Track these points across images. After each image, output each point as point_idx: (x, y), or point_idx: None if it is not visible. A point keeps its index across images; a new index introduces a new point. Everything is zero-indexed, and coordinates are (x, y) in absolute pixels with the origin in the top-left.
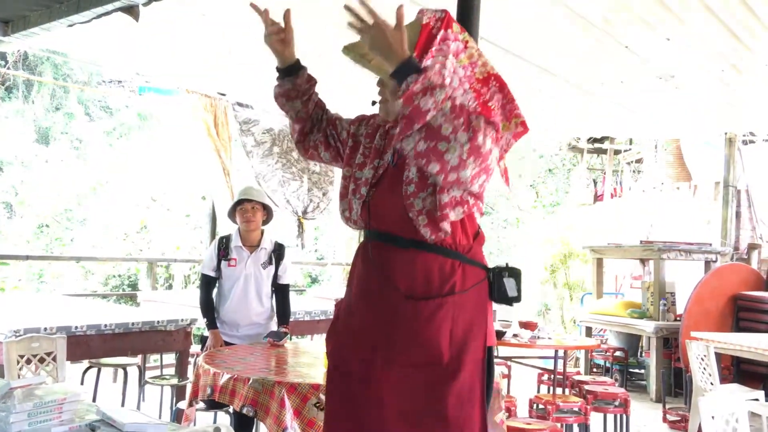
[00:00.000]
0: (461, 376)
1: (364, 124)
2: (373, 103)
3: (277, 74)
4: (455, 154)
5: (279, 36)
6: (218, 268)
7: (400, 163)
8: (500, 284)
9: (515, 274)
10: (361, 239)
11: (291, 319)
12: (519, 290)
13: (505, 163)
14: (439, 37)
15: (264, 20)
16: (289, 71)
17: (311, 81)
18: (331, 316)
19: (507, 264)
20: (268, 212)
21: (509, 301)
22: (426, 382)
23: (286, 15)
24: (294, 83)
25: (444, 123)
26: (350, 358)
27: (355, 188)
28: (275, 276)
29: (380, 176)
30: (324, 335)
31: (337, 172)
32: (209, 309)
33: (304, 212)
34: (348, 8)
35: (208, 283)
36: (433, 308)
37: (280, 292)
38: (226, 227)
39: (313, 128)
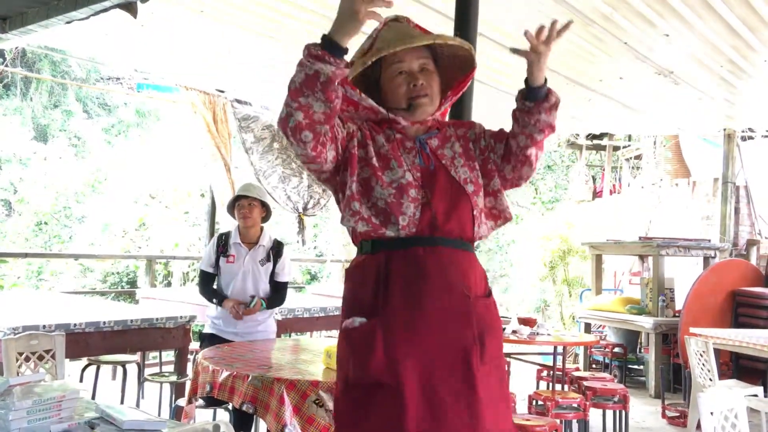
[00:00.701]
0: (504, 362)
1: (365, 126)
2: (409, 107)
3: (335, 56)
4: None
5: (369, 15)
6: (216, 264)
7: (437, 164)
8: None
9: None
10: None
11: (290, 316)
12: None
13: None
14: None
15: None
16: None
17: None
18: (330, 314)
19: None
20: (266, 210)
21: None
22: (498, 376)
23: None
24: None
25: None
26: (442, 375)
27: (399, 192)
28: (273, 273)
29: (420, 179)
30: (323, 332)
31: None
32: (214, 292)
33: (305, 208)
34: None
35: (206, 280)
36: (494, 305)
37: (277, 288)
38: (227, 224)
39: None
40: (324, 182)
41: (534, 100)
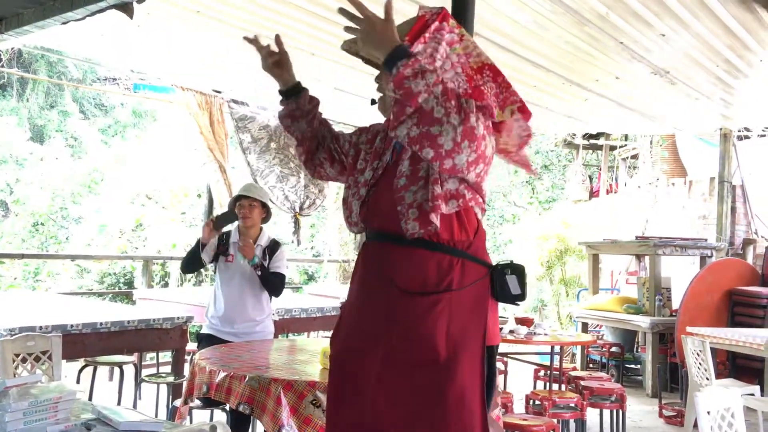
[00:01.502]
0: (459, 374)
1: (364, 133)
2: (373, 102)
3: (280, 97)
4: (449, 137)
5: (274, 59)
6: (215, 260)
7: (396, 159)
8: (502, 282)
9: (518, 271)
10: (362, 241)
11: (287, 317)
12: (523, 288)
13: (525, 152)
14: (433, 27)
15: (257, 48)
16: (290, 93)
17: (314, 101)
18: (328, 314)
19: (511, 261)
20: (267, 211)
21: (512, 299)
22: (425, 382)
23: (277, 40)
24: (297, 103)
25: (436, 106)
26: (355, 357)
27: (356, 191)
28: (268, 267)
29: (379, 176)
30: (321, 333)
31: None
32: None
33: (301, 208)
34: (342, 11)
35: (195, 254)
36: (428, 304)
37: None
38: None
39: (319, 146)
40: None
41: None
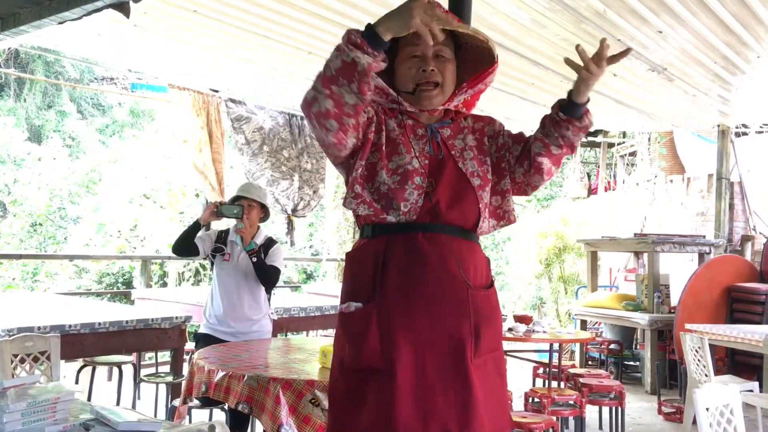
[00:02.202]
0: (503, 356)
1: (379, 110)
2: (414, 91)
3: (375, 48)
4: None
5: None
6: (211, 258)
7: (446, 153)
8: None
9: None
10: (369, 234)
11: (286, 316)
12: None
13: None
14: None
15: None
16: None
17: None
18: (326, 313)
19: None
20: (265, 210)
21: None
22: (493, 368)
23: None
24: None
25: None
26: (437, 366)
27: (403, 179)
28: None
29: (428, 166)
30: (319, 331)
31: (329, 170)
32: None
33: (294, 210)
34: (567, 61)
35: (190, 235)
36: (494, 296)
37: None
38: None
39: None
40: (338, 165)
41: (568, 115)
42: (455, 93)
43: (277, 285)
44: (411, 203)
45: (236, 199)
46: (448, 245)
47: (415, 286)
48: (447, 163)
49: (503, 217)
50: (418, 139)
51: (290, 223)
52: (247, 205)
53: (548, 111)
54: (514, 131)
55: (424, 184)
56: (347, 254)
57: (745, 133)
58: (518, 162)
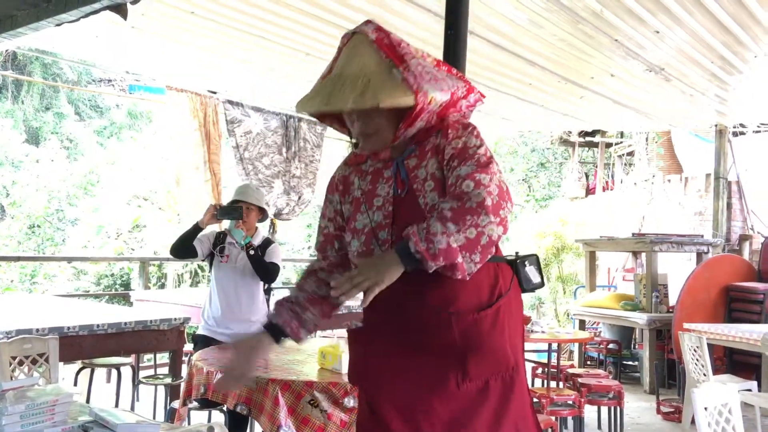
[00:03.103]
0: (521, 371)
1: (335, 192)
2: (355, 145)
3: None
4: (494, 228)
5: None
6: (209, 260)
7: (410, 189)
8: (524, 273)
9: (535, 260)
10: None
11: None
12: (541, 275)
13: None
14: (394, 43)
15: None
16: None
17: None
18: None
19: (518, 252)
20: (263, 212)
21: (534, 288)
22: (498, 387)
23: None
24: (315, 324)
25: (464, 230)
26: (418, 392)
27: (366, 239)
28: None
29: (391, 213)
30: (318, 333)
31: (320, 173)
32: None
33: (278, 214)
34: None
35: (189, 237)
36: (492, 317)
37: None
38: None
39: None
40: None
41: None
42: (401, 128)
43: (276, 286)
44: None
45: (234, 202)
46: (424, 277)
47: (394, 315)
48: (409, 201)
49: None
50: (385, 182)
51: (272, 225)
52: (245, 209)
53: (547, 112)
54: (510, 131)
55: (390, 237)
56: None
57: (742, 133)
58: None
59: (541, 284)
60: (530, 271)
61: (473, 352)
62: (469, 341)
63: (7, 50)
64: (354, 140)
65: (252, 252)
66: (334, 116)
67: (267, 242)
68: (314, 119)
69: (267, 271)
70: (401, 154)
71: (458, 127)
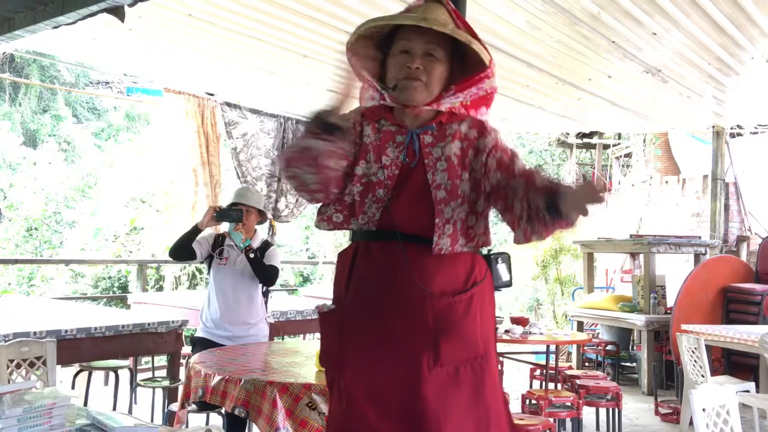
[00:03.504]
0: (491, 362)
1: (358, 120)
2: (394, 87)
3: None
4: None
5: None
6: (208, 262)
7: (419, 163)
8: (495, 270)
9: (506, 258)
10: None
11: (282, 319)
12: (510, 274)
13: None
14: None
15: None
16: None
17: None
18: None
19: (491, 249)
20: (262, 214)
21: (503, 285)
22: (468, 375)
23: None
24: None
25: None
26: (391, 373)
27: (365, 190)
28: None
29: (396, 176)
30: (316, 335)
31: None
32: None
33: (276, 216)
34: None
35: (188, 239)
36: (465, 302)
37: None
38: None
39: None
40: None
41: (554, 218)
42: (442, 95)
43: (274, 288)
44: (368, 216)
45: (234, 204)
46: (405, 254)
47: (370, 295)
48: (416, 173)
49: (473, 239)
50: (395, 147)
51: (272, 227)
52: (245, 211)
53: (545, 113)
54: (508, 133)
55: (385, 198)
56: (337, 255)
57: (739, 134)
58: (491, 196)
59: (510, 283)
60: (501, 268)
61: (445, 335)
62: (442, 324)
63: (4, 53)
64: (392, 84)
65: (252, 255)
66: (375, 59)
67: (266, 245)
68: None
69: (267, 275)
70: (418, 127)
71: (484, 126)
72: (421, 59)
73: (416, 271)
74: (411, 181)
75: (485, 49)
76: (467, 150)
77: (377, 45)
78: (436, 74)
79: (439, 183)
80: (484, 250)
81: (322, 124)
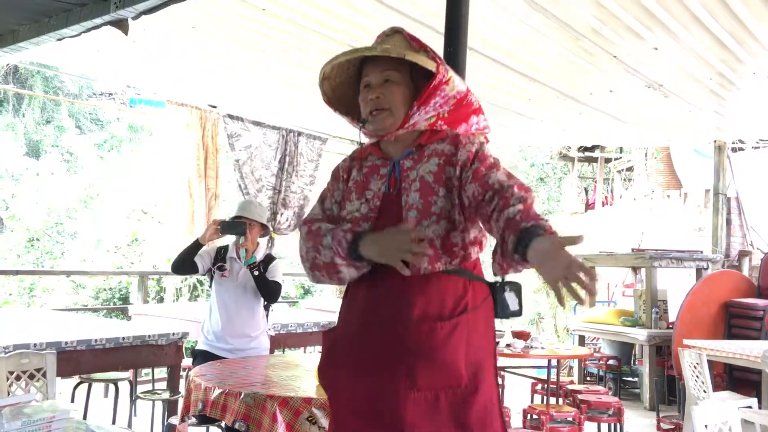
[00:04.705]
0: (480, 395)
1: (339, 181)
2: (365, 122)
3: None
4: None
5: None
6: (210, 275)
7: (398, 189)
8: (502, 299)
9: (516, 287)
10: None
11: (283, 332)
12: (520, 304)
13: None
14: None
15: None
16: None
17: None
18: (324, 328)
19: (503, 278)
20: (265, 228)
21: (511, 315)
22: (449, 404)
23: None
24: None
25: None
26: (370, 393)
27: (353, 226)
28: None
29: (377, 207)
30: (317, 348)
31: (318, 188)
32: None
33: (277, 229)
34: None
35: (190, 254)
36: (449, 329)
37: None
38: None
39: None
40: None
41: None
42: (410, 115)
43: None
44: None
45: (237, 218)
46: (391, 281)
47: (358, 317)
48: (396, 200)
49: (455, 255)
50: (379, 179)
51: (271, 239)
52: (248, 225)
53: (547, 127)
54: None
55: (370, 230)
56: None
57: (741, 149)
58: (465, 210)
59: (519, 313)
60: (509, 297)
61: (423, 361)
62: (421, 350)
63: (8, 64)
64: (363, 120)
65: (257, 273)
66: (348, 102)
67: (269, 258)
68: (313, 134)
69: (271, 292)
70: (401, 155)
71: (460, 140)
72: (380, 88)
73: (395, 296)
74: (391, 209)
75: (432, 58)
76: (444, 166)
77: (354, 86)
78: (397, 98)
79: (411, 204)
80: (491, 279)
81: (356, 256)
